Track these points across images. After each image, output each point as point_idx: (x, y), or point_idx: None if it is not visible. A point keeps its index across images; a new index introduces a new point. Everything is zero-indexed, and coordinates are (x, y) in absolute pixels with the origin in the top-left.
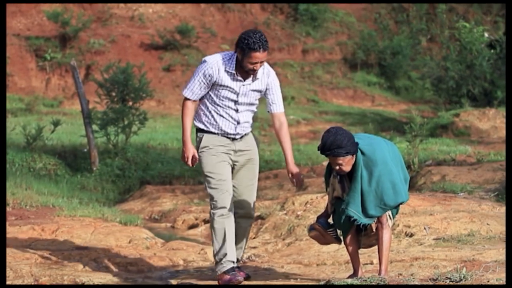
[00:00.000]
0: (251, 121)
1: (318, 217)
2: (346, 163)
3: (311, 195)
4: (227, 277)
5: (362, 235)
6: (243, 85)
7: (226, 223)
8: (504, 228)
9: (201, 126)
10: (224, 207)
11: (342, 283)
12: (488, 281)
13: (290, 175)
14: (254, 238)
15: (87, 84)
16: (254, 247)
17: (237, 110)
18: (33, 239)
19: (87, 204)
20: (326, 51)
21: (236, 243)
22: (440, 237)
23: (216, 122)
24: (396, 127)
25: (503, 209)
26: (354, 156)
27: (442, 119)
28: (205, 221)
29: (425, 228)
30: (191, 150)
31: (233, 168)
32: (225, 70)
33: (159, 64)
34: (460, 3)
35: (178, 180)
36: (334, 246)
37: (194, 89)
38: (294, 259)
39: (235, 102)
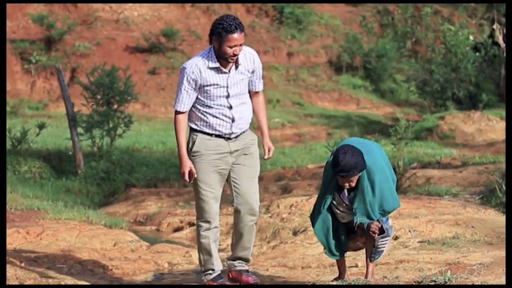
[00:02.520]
0: (247, 117)
1: None
2: (355, 179)
3: (296, 198)
4: (215, 284)
5: (350, 239)
6: (230, 75)
7: (211, 237)
8: (489, 231)
9: (195, 126)
10: (209, 221)
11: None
12: (473, 284)
13: (266, 149)
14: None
15: (72, 87)
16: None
17: (230, 107)
18: (18, 242)
19: (72, 207)
20: (311, 54)
21: (243, 243)
22: (425, 240)
23: (210, 123)
24: (381, 130)
25: (488, 212)
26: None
27: (427, 122)
28: (190, 224)
29: (410, 231)
30: (187, 165)
31: (232, 165)
32: (208, 68)
33: (144, 67)
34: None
35: (163, 183)
36: (319, 249)
37: (184, 100)
38: (279, 262)
39: (227, 96)
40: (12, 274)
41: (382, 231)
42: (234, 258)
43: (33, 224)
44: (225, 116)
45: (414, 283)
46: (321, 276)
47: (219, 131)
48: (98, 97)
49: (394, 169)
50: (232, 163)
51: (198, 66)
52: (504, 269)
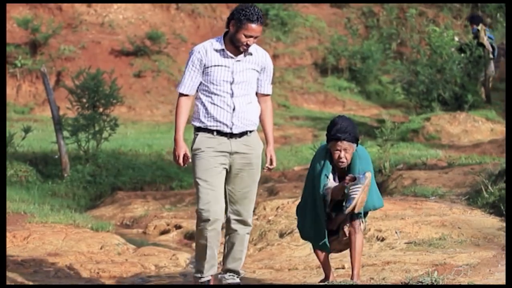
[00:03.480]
0: (253, 116)
1: None
2: (349, 152)
3: (282, 200)
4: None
5: (333, 240)
6: (237, 61)
7: (209, 238)
8: (475, 232)
9: (197, 123)
10: (208, 219)
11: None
12: (460, 285)
13: (269, 157)
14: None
15: (57, 90)
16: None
17: (232, 94)
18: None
19: (59, 211)
20: (296, 56)
21: (234, 253)
22: (411, 241)
23: (211, 113)
24: (367, 131)
25: (474, 213)
26: (355, 147)
27: (413, 123)
28: (177, 227)
29: (396, 232)
30: (182, 148)
31: (229, 172)
32: (214, 49)
33: (129, 70)
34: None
35: (150, 186)
36: (305, 251)
37: (186, 82)
38: (266, 264)
39: (231, 82)
40: None
41: (353, 178)
42: (224, 270)
43: (20, 228)
44: (226, 104)
45: (401, 284)
46: (308, 278)
47: (219, 122)
48: (84, 100)
49: (380, 170)
50: (231, 169)
51: (205, 47)
52: (491, 269)
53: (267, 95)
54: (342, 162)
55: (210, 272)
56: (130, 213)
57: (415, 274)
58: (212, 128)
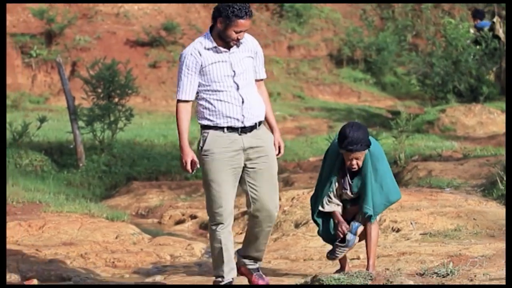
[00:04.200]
0: (259, 105)
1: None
2: (361, 158)
3: (297, 191)
4: None
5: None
6: (231, 53)
7: (224, 240)
8: (490, 223)
9: (205, 122)
10: (221, 223)
11: (330, 279)
12: (475, 276)
13: (277, 145)
14: (240, 233)
15: (72, 80)
16: (241, 243)
17: (238, 87)
18: (19, 235)
19: (74, 200)
20: (311, 48)
21: (258, 246)
22: (426, 232)
23: (219, 110)
24: (383, 123)
25: (489, 204)
26: (366, 151)
27: (428, 115)
28: (192, 217)
29: (411, 223)
30: (189, 155)
31: (246, 168)
32: (205, 48)
33: (145, 60)
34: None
35: (165, 176)
36: (320, 241)
37: (185, 87)
38: (281, 254)
39: (233, 76)
40: (14, 267)
41: (343, 240)
42: (246, 256)
43: (35, 217)
44: (233, 98)
45: (416, 275)
46: (323, 268)
47: (229, 117)
48: (99, 90)
49: (395, 162)
50: (247, 166)
51: (196, 48)
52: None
53: (262, 79)
54: (354, 168)
55: (231, 274)
56: (145, 203)
57: (430, 265)
58: (222, 125)
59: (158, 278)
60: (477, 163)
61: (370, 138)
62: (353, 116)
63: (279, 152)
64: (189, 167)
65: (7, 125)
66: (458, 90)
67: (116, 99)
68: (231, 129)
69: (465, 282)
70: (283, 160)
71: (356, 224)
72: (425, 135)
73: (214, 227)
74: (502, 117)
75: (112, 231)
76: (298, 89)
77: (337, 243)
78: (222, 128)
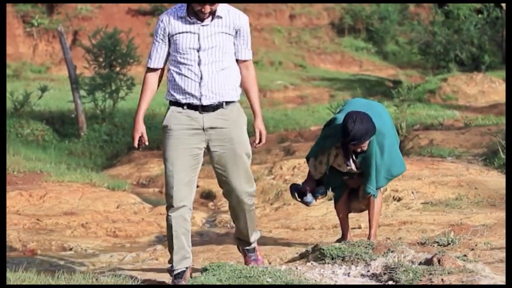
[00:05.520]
0: (227, 84)
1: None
2: (366, 143)
3: (298, 160)
4: (174, 281)
5: (353, 200)
6: (203, 25)
7: (174, 227)
8: (491, 192)
9: (168, 97)
10: (172, 206)
11: (331, 248)
12: (476, 245)
13: (257, 133)
14: None
15: (74, 49)
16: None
17: (199, 62)
18: (20, 204)
19: (75, 170)
20: (313, 16)
21: (239, 228)
22: (428, 201)
23: (179, 85)
24: (384, 92)
25: (491, 173)
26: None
27: (429, 83)
28: None
29: (413, 193)
30: (139, 130)
31: (209, 150)
32: (178, 16)
33: (146, 29)
34: None
35: None
36: (321, 211)
37: (152, 55)
38: (282, 223)
39: (198, 49)
40: (15, 236)
41: (303, 197)
42: (236, 237)
43: (36, 187)
44: (193, 73)
45: (417, 244)
46: (324, 238)
47: (187, 94)
48: (101, 59)
49: (397, 131)
50: (210, 149)
51: (169, 15)
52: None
53: (247, 61)
54: (360, 152)
55: (182, 264)
56: (147, 172)
57: (432, 234)
58: (181, 101)
59: (159, 248)
60: (479, 132)
61: (376, 109)
62: (354, 85)
63: (260, 141)
64: (136, 143)
65: (8, 95)
66: (460, 59)
67: (118, 68)
68: (190, 106)
69: (466, 251)
70: (284, 129)
71: (321, 191)
72: (426, 104)
73: (167, 210)
74: (504, 86)
75: (113, 201)
76: (299, 58)
77: (297, 197)
78: (182, 105)
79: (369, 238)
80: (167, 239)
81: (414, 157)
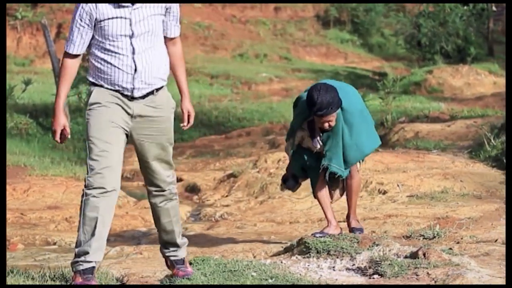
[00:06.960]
0: (158, 69)
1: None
2: (333, 119)
3: (283, 153)
4: (79, 279)
5: (333, 188)
6: (134, 9)
7: (101, 210)
8: (477, 185)
9: (91, 79)
10: (102, 187)
11: (316, 241)
12: (462, 238)
13: (186, 113)
14: (226, 196)
15: (58, 42)
16: (227, 205)
17: (133, 51)
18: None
19: (59, 163)
20: (298, 8)
21: (163, 226)
22: (413, 194)
23: (108, 74)
24: (370, 84)
25: (476, 166)
26: (338, 111)
27: (415, 76)
28: (177, 180)
29: (398, 185)
30: (60, 122)
31: (131, 138)
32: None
33: None
34: None
35: None
36: (306, 204)
37: (74, 39)
38: (267, 217)
39: (131, 36)
40: None
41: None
42: (161, 241)
43: (20, 181)
44: (125, 64)
45: (402, 238)
46: (309, 231)
47: (118, 86)
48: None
49: (382, 123)
50: (133, 136)
51: None
52: (493, 223)
53: (175, 38)
54: (327, 129)
55: (97, 255)
56: (131, 165)
57: (417, 228)
58: (109, 87)
59: (144, 242)
60: (465, 125)
61: (344, 89)
62: (339, 77)
63: (188, 122)
64: (58, 137)
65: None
66: (445, 51)
67: None
68: (119, 93)
69: (452, 244)
70: (269, 122)
71: (299, 174)
72: (412, 96)
73: (91, 191)
74: (490, 78)
75: None
76: (284, 50)
77: (282, 182)
78: (109, 90)
79: (347, 217)
80: (85, 225)
81: (400, 149)
